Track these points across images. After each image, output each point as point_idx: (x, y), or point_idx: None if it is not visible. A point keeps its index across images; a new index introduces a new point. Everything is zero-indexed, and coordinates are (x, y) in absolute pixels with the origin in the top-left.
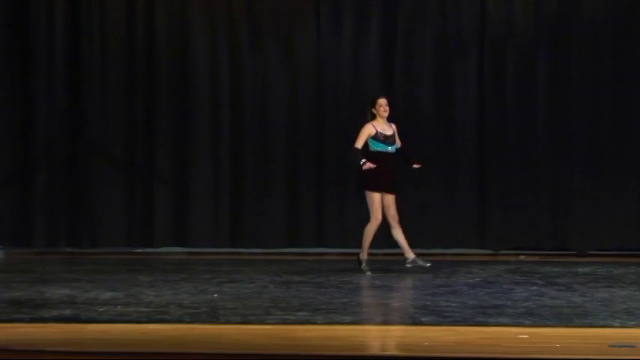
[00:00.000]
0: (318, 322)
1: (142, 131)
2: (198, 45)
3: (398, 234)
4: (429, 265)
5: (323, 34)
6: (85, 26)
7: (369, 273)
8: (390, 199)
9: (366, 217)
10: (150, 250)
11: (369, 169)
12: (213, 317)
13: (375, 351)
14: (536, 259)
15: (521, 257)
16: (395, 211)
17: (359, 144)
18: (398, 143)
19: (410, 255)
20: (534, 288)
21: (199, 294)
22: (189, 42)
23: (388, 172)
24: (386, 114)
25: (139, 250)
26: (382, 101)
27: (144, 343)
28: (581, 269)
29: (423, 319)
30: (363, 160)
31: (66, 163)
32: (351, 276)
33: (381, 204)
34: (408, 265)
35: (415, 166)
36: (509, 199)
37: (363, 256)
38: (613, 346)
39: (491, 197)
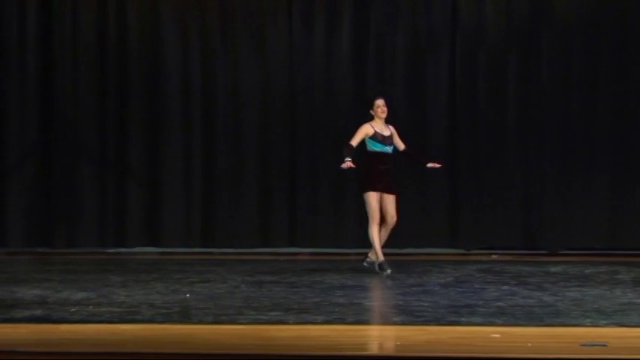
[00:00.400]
0: (291, 321)
1: (114, 131)
2: (170, 44)
3: (383, 233)
4: (389, 272)
5: (295, 33)
6: (57, 23)
7: (389, 271)
8: (389, 199)
9: (337, 216)
10: (122, 250)
11: (368, 170)
12: (185, 317)
13: (348, 351)
14: (508, 258)
15: (493, 257)
16: (394, 212)
17: (354, 142)
18: (400, 145)
19: (376, 257)
20: (506, 287)
21: (171, 294)
22: (160, 41)
23: (386, 173)
24: (384, 115)
25: (111, 250)
26: (380, 102)
27: (116, 344)
28: (552, 269)
29: (396, 319)
30: (347, 159)
31: (38, 164)
32: (323, 276)
33: (378, 204)
34: (365, 264)
35: (430, 165)
36: (481, 199)
37: (379, 258)
38: (584, 345)
39: (463, 197)
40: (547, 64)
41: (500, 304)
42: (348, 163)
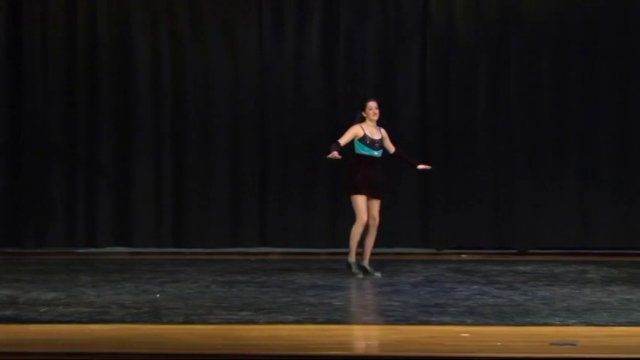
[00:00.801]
0: (261, 321)
1: (84, 132)
2: (139, 43)
3: (369, 238)
4: (360, 275)
5: (265, 32)
6: (26, 23)
7: (360, 275)
8: (375, 203)
9: (307, 216)
10: (92, 250)
11: (354, 173)
12: (155, 317)
13: (318, 351)
14: (478, 258)
15: (463, 256)
16: (376, 214)
17: (342, 140)
18: (391, 147)
19: (363, 261)
20: (476, 287)
21: (141, 294)
22: (130, 41)
23: (372, 176)
24: (375, 117)
25: (81, 251)
26: (372, 104)
27: (86, 344)
28: (522, 268)
29: (366, 318)
30: (334, 152)
31: (8, 164)
32: (293, 275)
33: (365, 205)
34: (349, 267)
35: (421, 167)
36: (451, 199)
37: (351, 258)
38: (554, 344)
39: (433, 197)
40: (517, 65)
41: (470, 303)
42: (334, 153)
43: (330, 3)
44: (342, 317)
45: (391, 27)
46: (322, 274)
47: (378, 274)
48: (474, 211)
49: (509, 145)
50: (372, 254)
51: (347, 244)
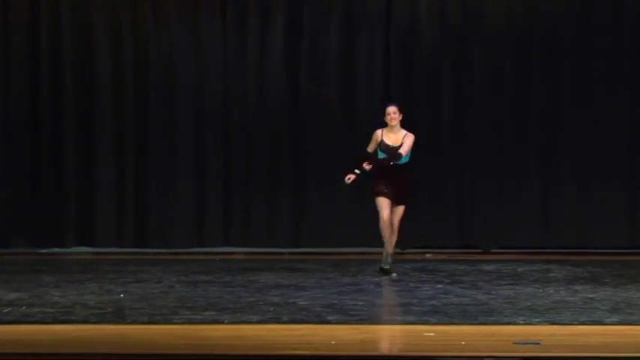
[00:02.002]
0: (225, 321)
1: (46, 131)
2: (102, 43)
3: (392, 239)
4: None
5: (229, 31)
6: None
7: (394, 275)
8: (396, 208)
9: (271, 216)
10: (55, 250)
11: (373, 174)
12: (119, 317)
13: (282, 350)
14: (442, 257)
15: (427, 255)
16: (398, 219)
17: (369, 148)
18: (403, 149)
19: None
20: (440, 286)
21: (105, 294)
22: (92, 40)
23: (387, 182)
24: (392, 122)
25: (43, 251)
26: (389, 109)
27: (49, 344)
28: (485, 267)
29: (330, 318)
30: (353, 172)
31: None
32: (257, 275)
33: (386, 205)
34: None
35: (365, 164)
36: (415, 198)
37: (389, 251)
38: (517, 343)
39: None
40: (480, 65)
41: (434, 302)
42: (364, 165)
43: (293, 2)
44: (306, 317)
45: (354, 25)
46: (286, 273)
47: (394, 275)
48: (437, 210)
49: (472, 145)
50: (330, 254)
51: (311, 244)
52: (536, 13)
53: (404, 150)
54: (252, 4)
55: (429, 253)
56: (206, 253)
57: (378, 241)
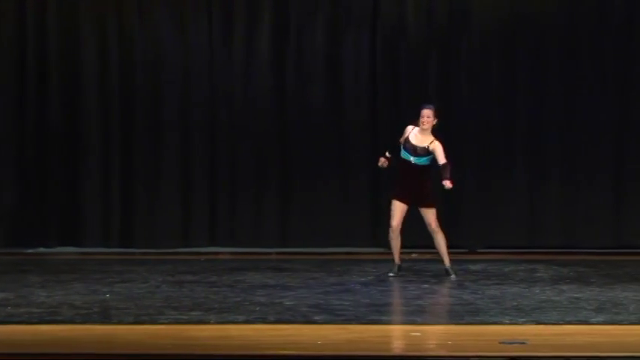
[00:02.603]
0: (211, 321)
1: (32, 130)
2: (88, 40)
3: (435, 244)
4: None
5: (215, 30)
6: None
7: (391, 275)
8: (424, 212)
9: (257, 216)
10: (41, 250)
11: (396, 177)
12: (105, 317)
13: (268, 350)
14: (428, 257)
15: (413, 255)
16: (430, 221)
17: (402, 139)
18: (441, 160)
19: (446, 264)
20: (426, 286)
21: (91, 294)
22: (78, 40)
23: (407, 183)
24: (424, 126)
25: (30, 251)
26: (423, 112)
27: (35, 344)
28: (472, 267)
29: (316, 318)
30: (384, 157)
31: None
32: (244, 275)
33: (399, 212)
34: (450, 275)
35: (445, 183)
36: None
37: (395, 261)
38: (503, 342)
39: (383, 196)
40: (467, 65)
41: (420, 302)
42: (381, 159)
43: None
44: (292, 317)
45: (341, 25)
46: (273, 273)
47: (453, 276)
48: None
49: (459, 144)
50: (316, 254)
51: (296, 244)
52: (523, 12)
53: (442, 158)
54: (238, 4)
55: (415, 253)
56: (192, 253)
57: (364, 241)
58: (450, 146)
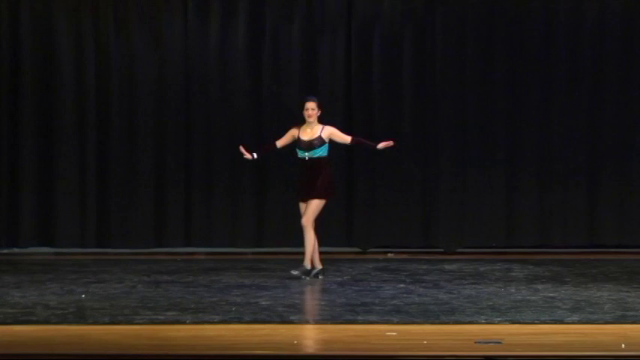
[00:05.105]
0: (187, 321)
1: (6, 131)
2: (63, 42)
3: (305, 239)
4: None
5: (190, 28)
6: None
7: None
8: (308, 202)
9: (232, 216)
10: (15, 250)
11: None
12: (80, 318)
13: (244, 350)
14: (404, 257)
15: (389, 255)
16: (308, 213)
17: (278, 142)
18: (346, 139)
19: (307, 265)
20: (402, 285)
21: (66, 294)
22: (53, 40)
23: (304, 180)
24: (310, 119)
25: (4, 251)
26: (307, 105)
27: (10, 345)
28: (447, 267)
29: (292, 318)
30: (251, 153)
31: None
32: (219, 275)
33: (303, 211)
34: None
35: (381, 145)
36: (377, 198)
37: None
38: (479, 342)
39: (358, 195)
40: (442, 63)
41: (396, 302)
42: (247, 154)
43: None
44: (268, 317)
45: (316, 18)
46: (248, 273)
47: (296, 272)
48: (399, 210)
49: (435, 144)
50: (290, 254)
51: (272, 244)
52: (498, 9)
53: (345, 135)
54: (213, 2)
55: (390, 252)
56: (168, 254)
57: (340, 241)
58: (425, 145)
